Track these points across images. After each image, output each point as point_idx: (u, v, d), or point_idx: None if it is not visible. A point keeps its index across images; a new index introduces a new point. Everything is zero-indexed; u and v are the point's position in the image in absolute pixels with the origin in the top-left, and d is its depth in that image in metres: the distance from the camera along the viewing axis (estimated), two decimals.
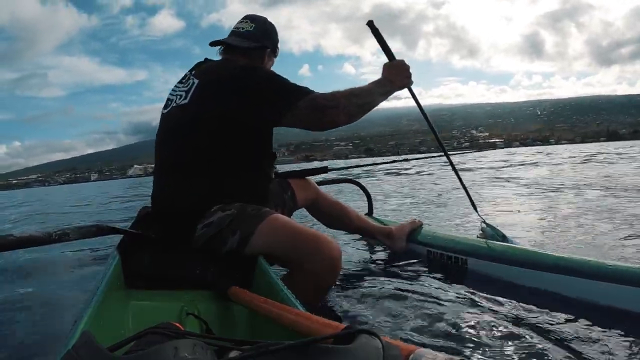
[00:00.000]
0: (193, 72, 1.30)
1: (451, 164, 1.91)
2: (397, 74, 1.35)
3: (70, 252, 2.47)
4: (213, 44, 1.36)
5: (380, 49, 1.50)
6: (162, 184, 1.26)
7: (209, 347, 0.38)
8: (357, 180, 2.76)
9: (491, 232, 1.77)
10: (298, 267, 1.10)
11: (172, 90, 1.33)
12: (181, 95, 1.25)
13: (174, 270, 1.10)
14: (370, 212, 2.50)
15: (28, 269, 2.05)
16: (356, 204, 2.54)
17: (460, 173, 1.92)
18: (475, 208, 1.87)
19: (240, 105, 1.17)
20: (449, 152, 1.85)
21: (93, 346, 0.35)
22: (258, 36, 1.36)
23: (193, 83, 1.24)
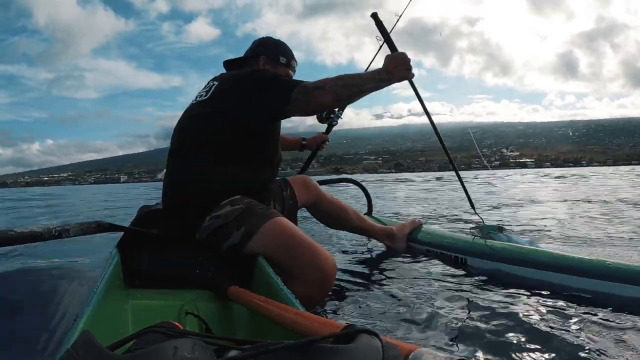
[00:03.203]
0: (213, 78, 1.46)
1: (451, 162, 1.93)
2: (396, 66, 1.36)
3: (70, 249, 2.47)
4: (226, 64, 1.55)
5: (385, 41, 1.61)
6: (174, 167, 1.35)
7: (208, 346, 0.37)
8: (357, 180, 2.76)
9: (487, 231, 1.78)
10: (292, 274, 1.11)
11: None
12: (202, 95, 1.39)
13: (174, 269, 1.10)
14: (369, 212, 2.50)
15: (27, 266, 2.05)
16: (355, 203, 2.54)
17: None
18: (473, 207, 1.88)
19: (247, 104, 1.28)
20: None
21: (92, 345, 0.35)
22: (252, 48, 1.55)
23: (213, 84, 1.39)
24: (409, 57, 1.39)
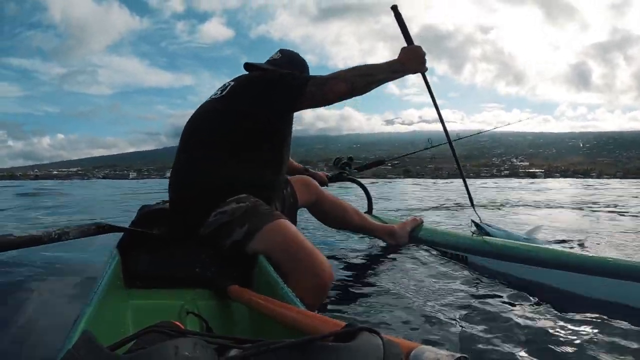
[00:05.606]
0: (231, 80, 1.49)
1: (455, 157, 1.93)
2: (411, 58, 1.40)
3: (70, 250, 2.47)
4: (246, 66, 1.56)
5: (402, 34, 1.60)
6: (184, 163, 1.36)
7: (209, 345, 0.37)
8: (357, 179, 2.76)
9: (485, 230, 1.78)
10: (288, 277, 1.11)
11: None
12: (217, 93, 1.44)
13: (174, 268, 1.10)
14: (369, 210, 2.50)
15: (27, 268, 2.05)
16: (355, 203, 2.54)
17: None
18: (472, 205, 1.88)
19: (261, 101, 1.32)
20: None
21: (93, 345, 0.35)
22: (281, 63, 1.57)
23: (229, 84, 1.43)
24: (424, 50, 1.43)
